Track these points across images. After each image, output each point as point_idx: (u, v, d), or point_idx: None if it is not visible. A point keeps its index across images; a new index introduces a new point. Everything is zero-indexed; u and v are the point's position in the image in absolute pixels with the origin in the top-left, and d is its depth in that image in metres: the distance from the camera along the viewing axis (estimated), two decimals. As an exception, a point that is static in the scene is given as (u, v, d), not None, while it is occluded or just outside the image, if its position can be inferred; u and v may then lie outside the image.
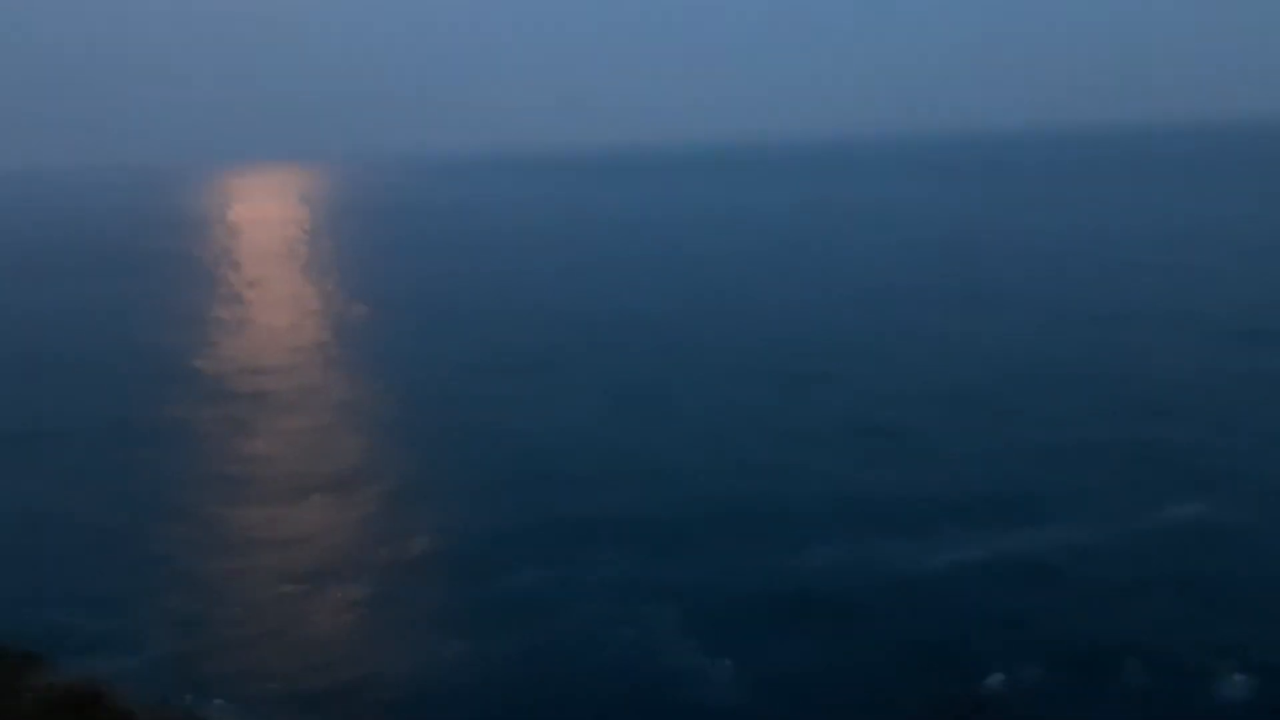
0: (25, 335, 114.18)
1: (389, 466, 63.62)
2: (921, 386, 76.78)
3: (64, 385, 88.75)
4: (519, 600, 44.41)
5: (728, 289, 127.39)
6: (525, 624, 42.20)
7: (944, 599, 43.19)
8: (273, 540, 52.47)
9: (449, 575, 47.38)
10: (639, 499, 56.28)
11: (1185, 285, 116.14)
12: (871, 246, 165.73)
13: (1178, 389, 73.05)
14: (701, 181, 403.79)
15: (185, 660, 39.28)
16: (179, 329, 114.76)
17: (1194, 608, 41.43)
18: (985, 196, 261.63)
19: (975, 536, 48.45)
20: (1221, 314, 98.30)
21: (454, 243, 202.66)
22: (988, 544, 47.68)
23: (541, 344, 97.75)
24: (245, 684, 37.47)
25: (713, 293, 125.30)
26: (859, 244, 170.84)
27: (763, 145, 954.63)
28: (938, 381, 78.06)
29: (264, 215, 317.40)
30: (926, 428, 66.66)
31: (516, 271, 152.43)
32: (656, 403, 76.06)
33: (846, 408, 72.32)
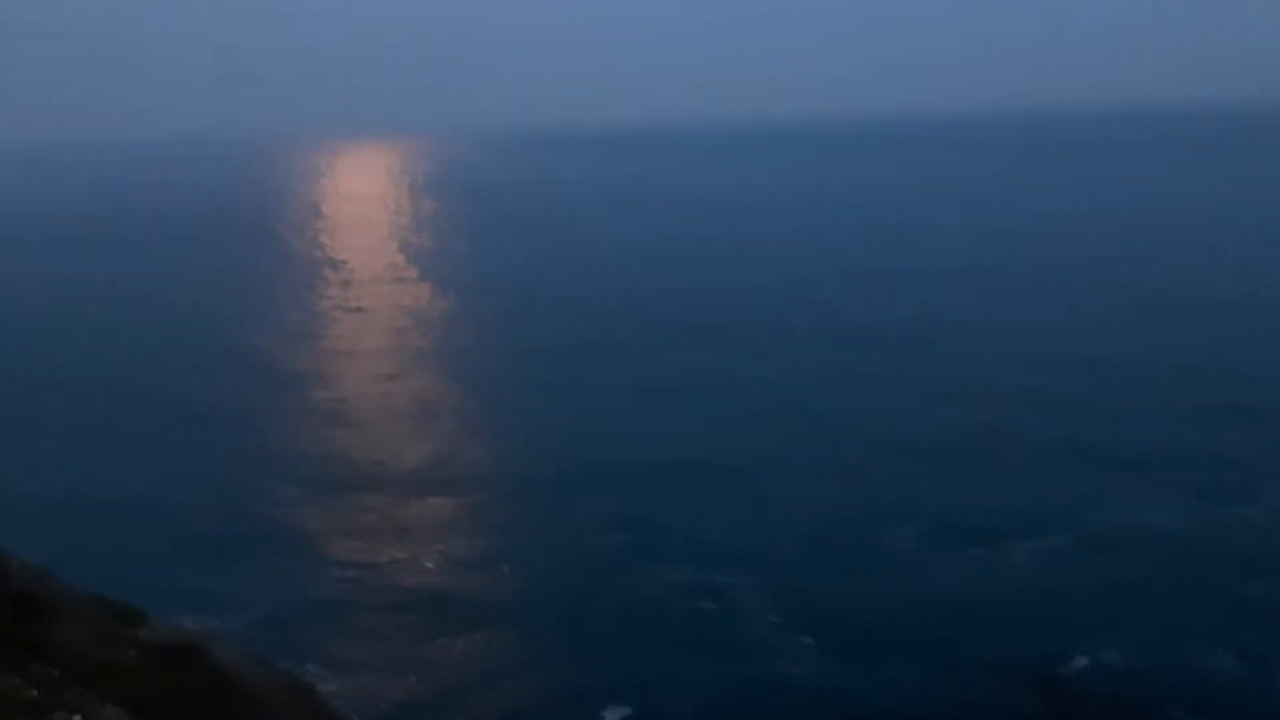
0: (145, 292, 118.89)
1: (472, 446, 64.35)
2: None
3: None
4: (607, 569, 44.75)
5: (819, 267, 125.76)
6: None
7: (1027, 587, 42.28)
8: (363, 511, 53.50)
9: (538, 545, 47.91)
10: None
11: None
12: (974, 223, 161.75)
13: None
14: (783, 158, 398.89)
15: (281, 624, 40.39)
16: (263, 307, 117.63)
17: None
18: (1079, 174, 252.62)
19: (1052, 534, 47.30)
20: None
21: (536, 217, 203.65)
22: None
23: (611, 327, 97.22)
24: (338, 651, 38.38)
25: (808, 271, 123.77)
26: (962, 222, 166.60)
27: (854, 122, 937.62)
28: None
29: (354, 189, 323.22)
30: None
31: (589, 246, 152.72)
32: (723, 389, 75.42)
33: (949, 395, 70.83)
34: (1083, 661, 36.23)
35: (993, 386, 71.46)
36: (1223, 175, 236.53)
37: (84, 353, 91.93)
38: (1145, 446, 57.98)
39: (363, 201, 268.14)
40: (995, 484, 53.44)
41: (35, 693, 12.36)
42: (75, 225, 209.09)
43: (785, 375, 76.52)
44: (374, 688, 36.02)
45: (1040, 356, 79.18)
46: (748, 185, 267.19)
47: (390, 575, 45.91)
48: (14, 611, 13.68)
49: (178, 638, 15.82)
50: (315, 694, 20.78)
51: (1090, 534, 46.67)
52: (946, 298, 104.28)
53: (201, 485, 56.66)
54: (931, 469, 55.89)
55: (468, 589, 44.13)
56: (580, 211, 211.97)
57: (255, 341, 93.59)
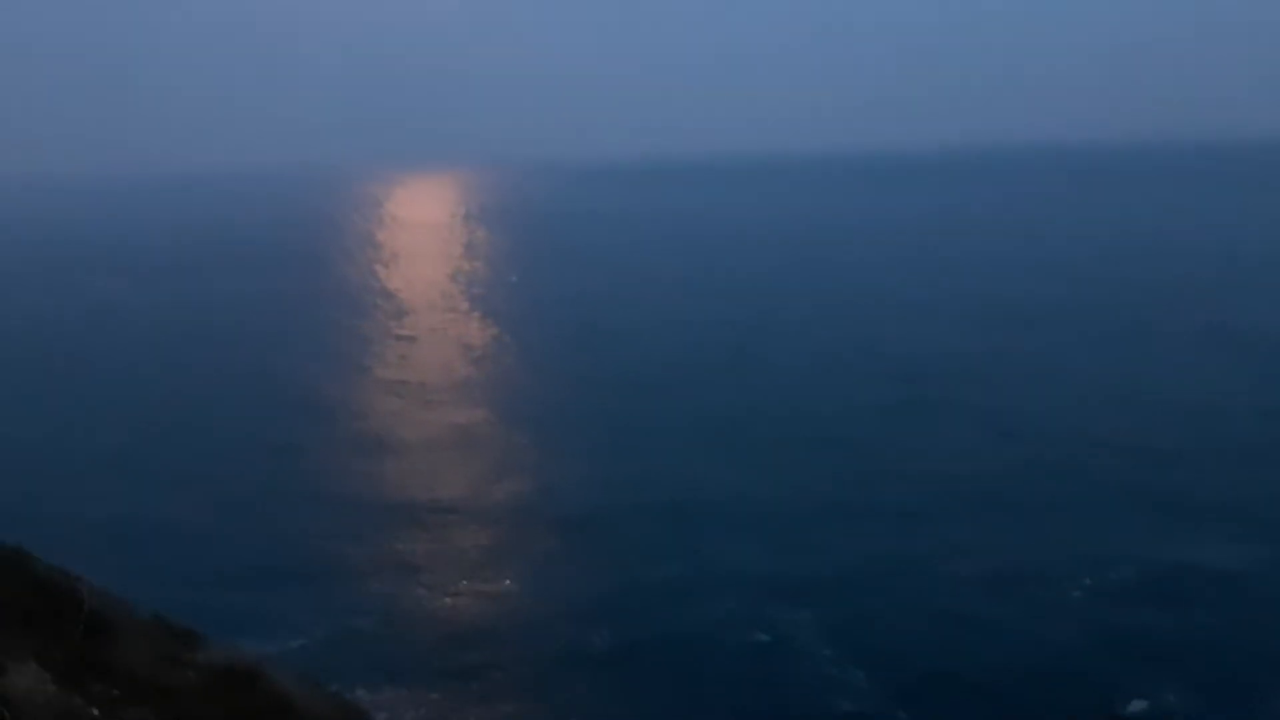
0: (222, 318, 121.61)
1: (520, 478, 64.25)
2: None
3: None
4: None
5: (875, 299, 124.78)
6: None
7: (1086, 627, 41.34)
8: (411, 540, 53.86)
9: (593, 571, 47.88)
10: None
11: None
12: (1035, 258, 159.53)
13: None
14: (831, 189, 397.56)
15: (336, 647, 40.68)
16: (315, 336, 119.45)
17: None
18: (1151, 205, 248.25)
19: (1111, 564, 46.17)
20: None
21: (588, 248, 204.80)
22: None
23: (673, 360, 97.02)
24: (393, 675, 38.55)
25: (856, 303, 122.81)
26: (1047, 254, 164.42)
27: (894, 154, 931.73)
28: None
29: (410, 219, 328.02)
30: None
31: (640, 277, 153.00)
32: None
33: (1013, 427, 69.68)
34: (1142, 705, 35.34)
35: (1052, 424, 70.04)
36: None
37: (136, 380, 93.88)
38: (1213, 488, 56.42)
39: (418, 231, 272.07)
40: (1054, 523, 52.34)
41: (95, 712, 12.54)
42: (136, 253, 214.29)
43: (839, 410, 75.69)
44: (426, 716, 36.08)
45: (1105, 395, 77.55)
46: (796, 216, 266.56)
47: (438, 605, 46.09)
48: (84, 632, 13.95)
49: (235, 661, 16.00)
50: (368, 719, 20.87)
51: (1152, 575, 45.55)
52: (1000, 333, 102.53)
53: (249, 512, 57.43)
54: (989, 507, 54.93)
55: (515, 619, 44.16)
56: (632, 242, 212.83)
57: (305, 369, 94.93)
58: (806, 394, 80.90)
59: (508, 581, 48.12)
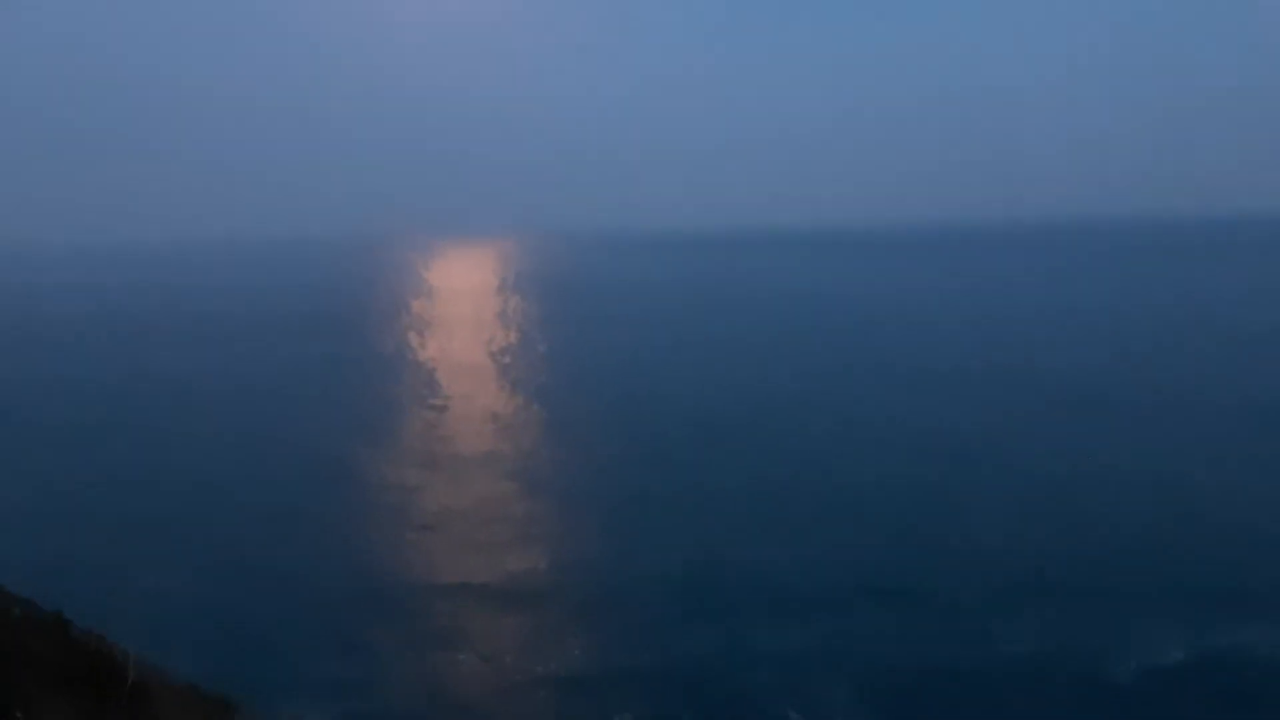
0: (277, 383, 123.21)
1: (552, 552, 64.38)
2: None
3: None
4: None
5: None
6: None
7: (1134, 705, 40.46)
8: (442, 615, 53.72)
9: (621, 653, 47.46)
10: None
11: None
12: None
13: None
14: (870, 260, 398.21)
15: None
16: (349, 404, 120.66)
17: None
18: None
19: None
20: None
21: (627, 317, 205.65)
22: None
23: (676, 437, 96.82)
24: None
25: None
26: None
27: (926, 227, 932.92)
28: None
29: (450, 287, 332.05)
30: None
31: (680, 347, 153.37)
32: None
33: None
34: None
35: (1101, 507, 68.93)
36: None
37: (172, 444, 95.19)
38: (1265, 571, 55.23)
39: (455, 299, 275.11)
40: (1102, 604, 51.34)
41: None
42: (179, 321, 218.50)
43: (877, 486, 74.83)
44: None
45: (1145, 477, 76.29)
46: (836, 285, 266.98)
47: (468, 682, 45.69)
48: (130, 702, 14.15)
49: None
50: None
51: (1202, 655, 44.62)
52: (1041, 407, 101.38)
53: (279, 584, 57.44)
54: (1033, 588, 53.91)
55: (536, 698, 43.74)
56: (666, 311, 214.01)
57: (334, 437, 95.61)
58: (839, 466, 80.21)
59: (529, 658, 47.54)
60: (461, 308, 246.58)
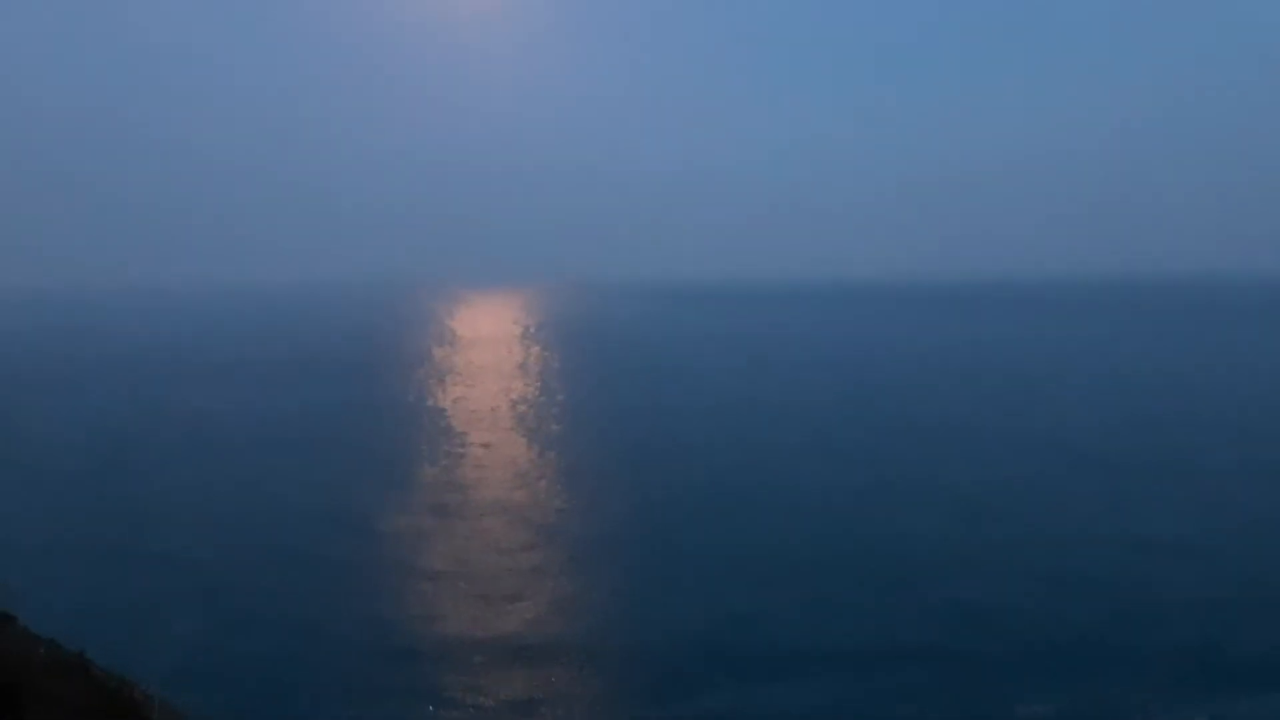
0: (301, 426, 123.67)
1: (570, 612, 63.82)
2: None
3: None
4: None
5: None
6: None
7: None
8: (452, 673, 53.40)
9: (639, 700, 46.97)
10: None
11: None
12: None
13: None
14: (903, 316, 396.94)
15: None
16: (367, 450, 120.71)
17: None
18: None
19: None
20: None
21: (652, 368, 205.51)
22: None
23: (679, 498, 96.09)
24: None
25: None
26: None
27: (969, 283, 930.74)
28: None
29: (473, 334, 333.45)
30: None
31: (702, 399, 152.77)
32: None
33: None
34: None
35: (1135, 572, 67.91)
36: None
37: (191, 486, 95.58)
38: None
39: (477, 347, 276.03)
40: (1126, 670, 50.43)
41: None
42: (196, 363, 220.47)
43: (906, 544, 73.93)
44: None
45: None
46: (859, 342, 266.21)
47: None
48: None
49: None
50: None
51: None
52: (1090, 470, 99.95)
53: (294, 629, 57.21)
54: (1058, 651, 53.03)
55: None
56: (695, 364, 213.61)
57: (349, 485, 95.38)
58: (866, 526, 79.27)
59: (537, 713, 47.01)
60: (485, 355, 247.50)
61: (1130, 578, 65.49)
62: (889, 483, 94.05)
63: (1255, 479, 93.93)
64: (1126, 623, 57.18)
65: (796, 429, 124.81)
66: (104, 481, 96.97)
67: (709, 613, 59.64)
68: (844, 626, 57.59)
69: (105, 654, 19.05)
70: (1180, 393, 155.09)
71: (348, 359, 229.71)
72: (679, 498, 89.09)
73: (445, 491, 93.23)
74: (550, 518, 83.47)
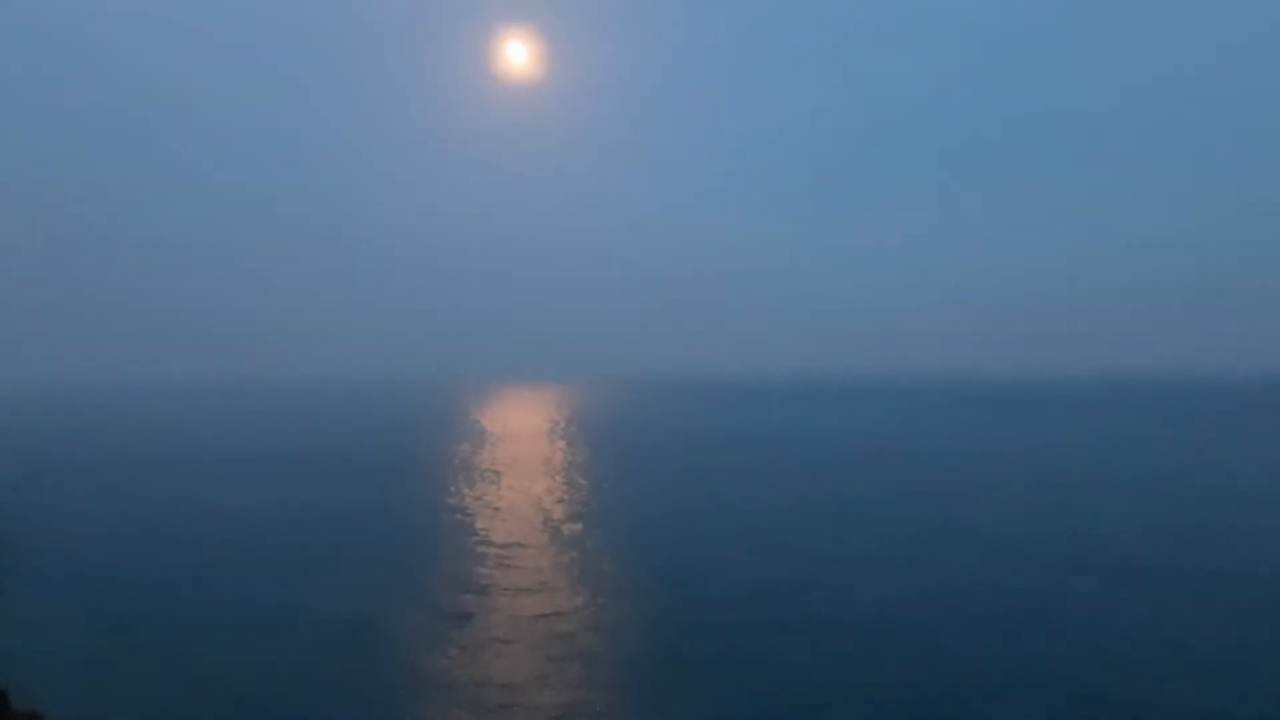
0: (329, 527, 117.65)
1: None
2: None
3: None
4: None
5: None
6: None
7: None
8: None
9: None
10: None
11: None
12: None
13: None
14: (951, 414, 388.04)
15: None
16: (398, 546, 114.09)
17: None
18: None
19: None
20: None
21: (685, 469, 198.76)
22: None
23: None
24: None
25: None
26: None
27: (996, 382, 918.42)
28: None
29: (504, 430, 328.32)
30: None
31: (739, 504, 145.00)
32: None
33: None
34: None
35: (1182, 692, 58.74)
36: None
37: (209, 591, 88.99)
38: None
39: (507, 444, 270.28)
40: None
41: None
42: (232, 462, 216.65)
43: (954, 679, 65.31)
44: None
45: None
46: (910, 440, 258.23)
47: None
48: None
49: None
50: None
51: None
52: (1113, 586, 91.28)
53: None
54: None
55: None
56: (729, 465, 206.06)
57: (362, 595, 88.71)
58: (914, 647, 70.89)
59: None
60: (513, 453, 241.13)
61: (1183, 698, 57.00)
62: (936, 596, 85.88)
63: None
64: None
65: (834, 535, 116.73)
66: (139, 586, 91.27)
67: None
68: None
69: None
70: (1231, 500, 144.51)
71: (375, 456, 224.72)
72: (712, 608, 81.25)
73: (469, 598, 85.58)
74: (580, 627, 75.96)
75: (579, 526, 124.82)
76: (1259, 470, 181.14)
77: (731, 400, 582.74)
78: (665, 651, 70.04)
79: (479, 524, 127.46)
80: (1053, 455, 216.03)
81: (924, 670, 65.47)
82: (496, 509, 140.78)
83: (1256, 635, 72.68)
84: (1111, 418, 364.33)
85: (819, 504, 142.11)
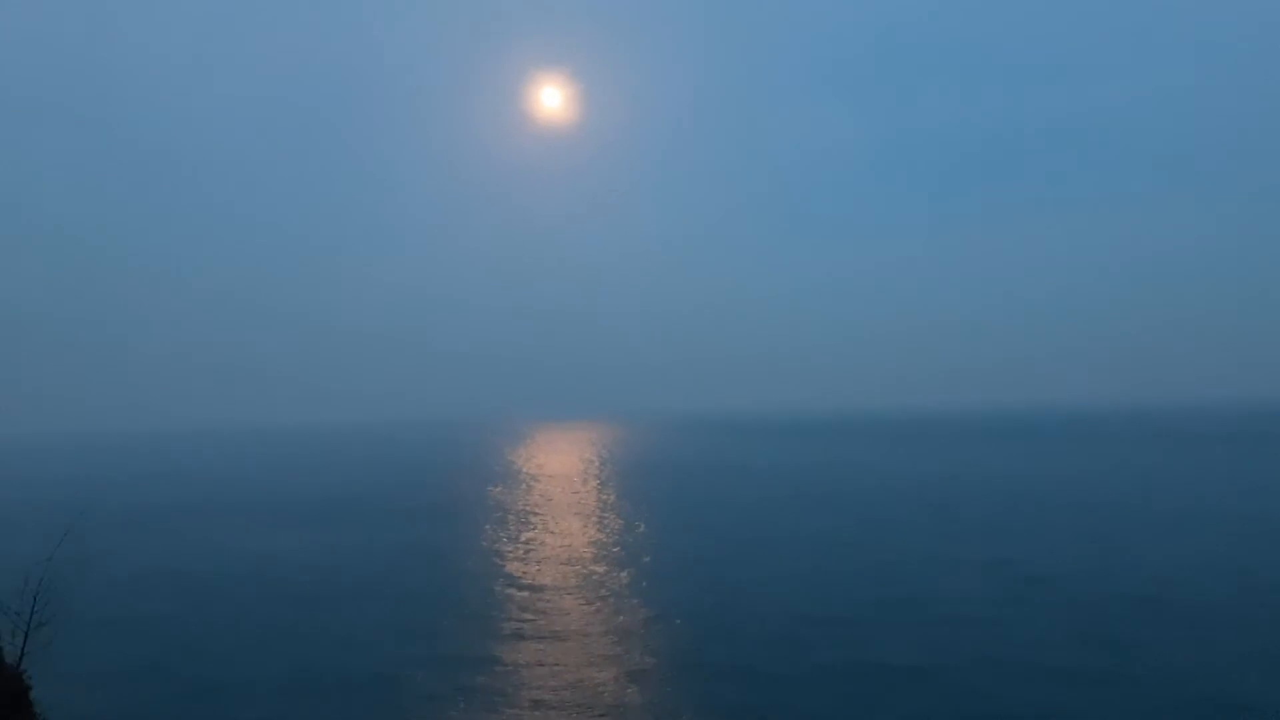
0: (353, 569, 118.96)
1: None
2: None
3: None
4: None
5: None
6: None
7: None
8: None
9: None
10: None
11: None
12: None
13: None
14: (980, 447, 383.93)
15: None
16: (438, 583, 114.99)
17: None
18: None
19: None
20: None
21: (723, 501, 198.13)
22: None
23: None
24: None
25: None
26: None
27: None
28: None
29: (542, 469, 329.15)
30: None
31: (778, 536, 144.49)
32: None
33: None
34: None
35: None
36: None
37: (247, 636, 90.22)
38: None
39: (551, 481, 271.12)
40: None
41: None
42: (271, 506, 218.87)
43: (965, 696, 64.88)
44: None
45: None
46: (939, 474, 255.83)
47: None
48: None
49: None
50: None
51: None
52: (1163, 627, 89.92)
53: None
54: None
55: None
56: (765, 497, 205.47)
57: (394, 642, 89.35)
58: (961, 696, 70.30)
59: None
60: (550, 492, 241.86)
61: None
62: (962, 627, 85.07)
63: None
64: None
65: (874, 575, 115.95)
66: (190, 631, 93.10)
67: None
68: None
69: None
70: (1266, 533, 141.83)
71: (412, 499, 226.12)
72: (753, 647, 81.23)
73: (494, 645, 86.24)
74: (612, 677, 75.84)
75: (626, 563, 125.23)
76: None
77: (759, 435, 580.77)
78: (701, 685, 70.12)
79: (518, 564, 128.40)
80: (1077, 487, 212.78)
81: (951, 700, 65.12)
82: (538, 554, 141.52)
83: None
84: (1127, 448, 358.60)
85: (858, 536, 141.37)
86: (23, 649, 32.94)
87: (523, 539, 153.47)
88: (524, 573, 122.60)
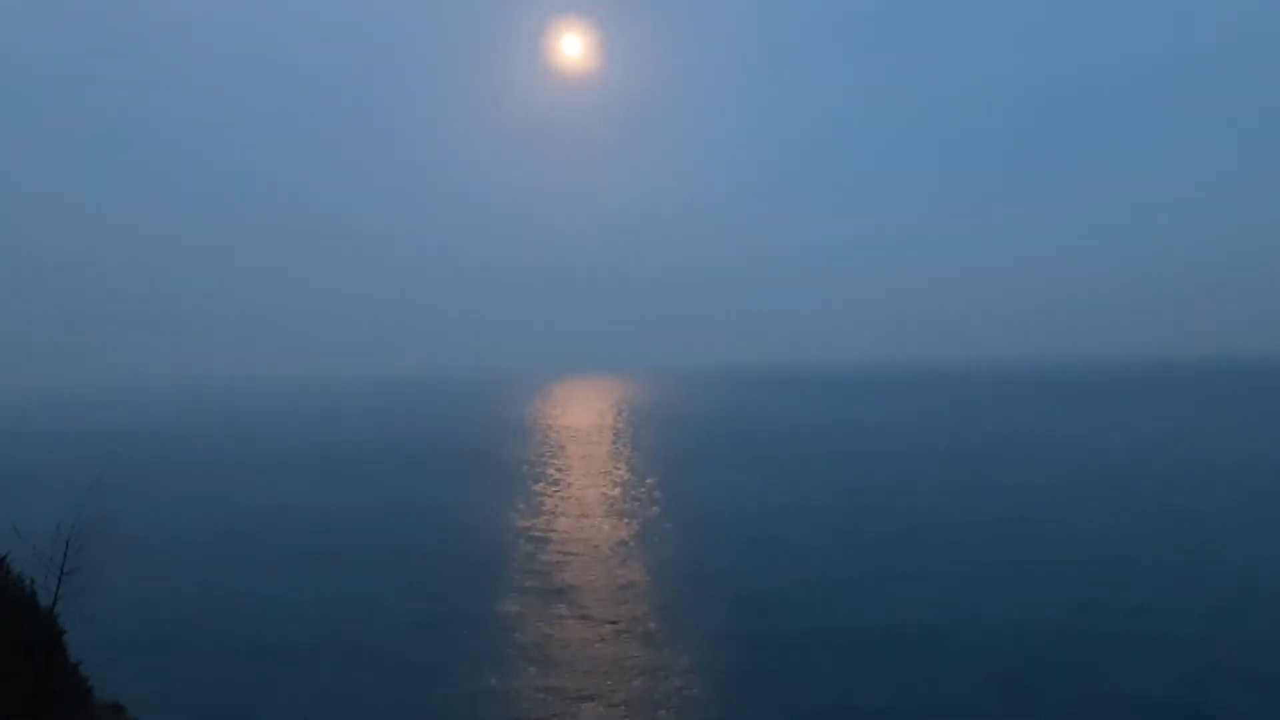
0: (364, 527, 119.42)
1: None
2: None
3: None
4: None
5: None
6: None
7: None
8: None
9: None
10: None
11: None
12: None
13: None
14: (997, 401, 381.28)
15: None
16: (462, 536, 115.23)
17: None
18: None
19: None
20: None
21: (752, 457, 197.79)
22: None
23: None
24: None
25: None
26: None
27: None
28: None
29: (569, 423, 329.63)
30: None
31: (807, 491, 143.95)
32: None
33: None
34: None
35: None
36: None
37: (279, 583, 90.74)
38: None
39: (578, 434, 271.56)
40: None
41: None
42: (282, 459, 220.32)
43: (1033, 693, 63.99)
44: None
45: None
46: (949, 428, 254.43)
47: None
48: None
49: None
50: None
51: None
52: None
53: None
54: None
55: None
56: (794, 453, 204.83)
57: (442, 572, 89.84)
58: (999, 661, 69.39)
59: None
60: (583, 442, 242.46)
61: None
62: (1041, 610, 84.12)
63: None
64: None
65: (892, 518, 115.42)
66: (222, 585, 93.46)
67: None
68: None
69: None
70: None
71: (435, 453, 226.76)
72: (772, 602, 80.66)
73: (538, 579, 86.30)
74: (646, 623, 75.73)
75: (652, 517, 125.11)
76: None
77: (781, 389, 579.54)
78: (721, 642, 69.75)
79: (555, 503, 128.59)
80: (1102, 440, 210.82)
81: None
82: (576, 498, 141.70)
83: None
84: (1152, 400, 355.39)
85: (872, 490, 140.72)
86: (56, 593, 32.89)
87: (542, 490, 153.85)
88: (561, 529, 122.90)
